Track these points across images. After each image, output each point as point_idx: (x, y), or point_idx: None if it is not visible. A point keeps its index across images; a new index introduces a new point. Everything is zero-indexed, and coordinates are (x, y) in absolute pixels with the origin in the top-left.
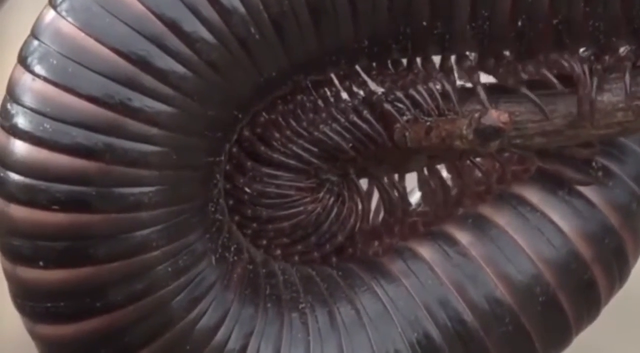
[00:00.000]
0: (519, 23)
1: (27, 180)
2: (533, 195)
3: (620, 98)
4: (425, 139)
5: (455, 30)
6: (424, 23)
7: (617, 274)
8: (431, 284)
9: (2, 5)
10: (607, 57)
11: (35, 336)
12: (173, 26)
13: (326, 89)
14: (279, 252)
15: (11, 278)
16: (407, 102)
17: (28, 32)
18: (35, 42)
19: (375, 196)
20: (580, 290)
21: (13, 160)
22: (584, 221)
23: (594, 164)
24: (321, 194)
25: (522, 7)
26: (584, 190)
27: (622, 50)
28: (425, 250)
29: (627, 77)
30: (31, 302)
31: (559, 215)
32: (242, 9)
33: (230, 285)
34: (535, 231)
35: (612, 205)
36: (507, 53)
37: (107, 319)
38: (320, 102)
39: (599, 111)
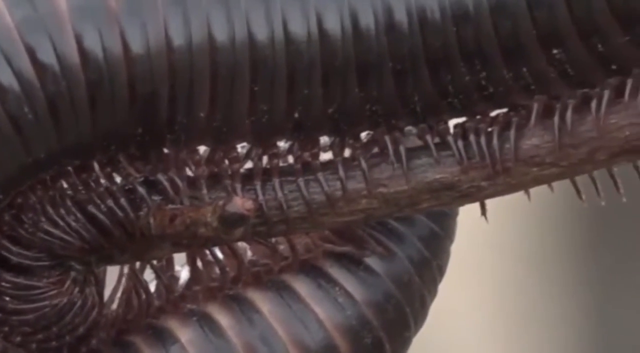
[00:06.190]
0: (296, 114)
1: None
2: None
3: (363, 185)
4: (170, 226)
5: (233, 122)
6: (201, 115)
7: None
8: None
9: None
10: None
11: None
12: None
13: (86, 175)
14: (19, 339)
15: None
16: (162, 188)
17: None
18: None
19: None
20: None
21: None
22: (345, 316)
23: (361, 265)
24: (66, 285)
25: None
26: (350, 286)
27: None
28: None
29: (364, 164)
30: None
31: (322, 308)
32: (17, 88)
33: None
34: (296, 320)
35: (372, 305)
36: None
37: None
38: (80, 187)
39: (343, 198)
